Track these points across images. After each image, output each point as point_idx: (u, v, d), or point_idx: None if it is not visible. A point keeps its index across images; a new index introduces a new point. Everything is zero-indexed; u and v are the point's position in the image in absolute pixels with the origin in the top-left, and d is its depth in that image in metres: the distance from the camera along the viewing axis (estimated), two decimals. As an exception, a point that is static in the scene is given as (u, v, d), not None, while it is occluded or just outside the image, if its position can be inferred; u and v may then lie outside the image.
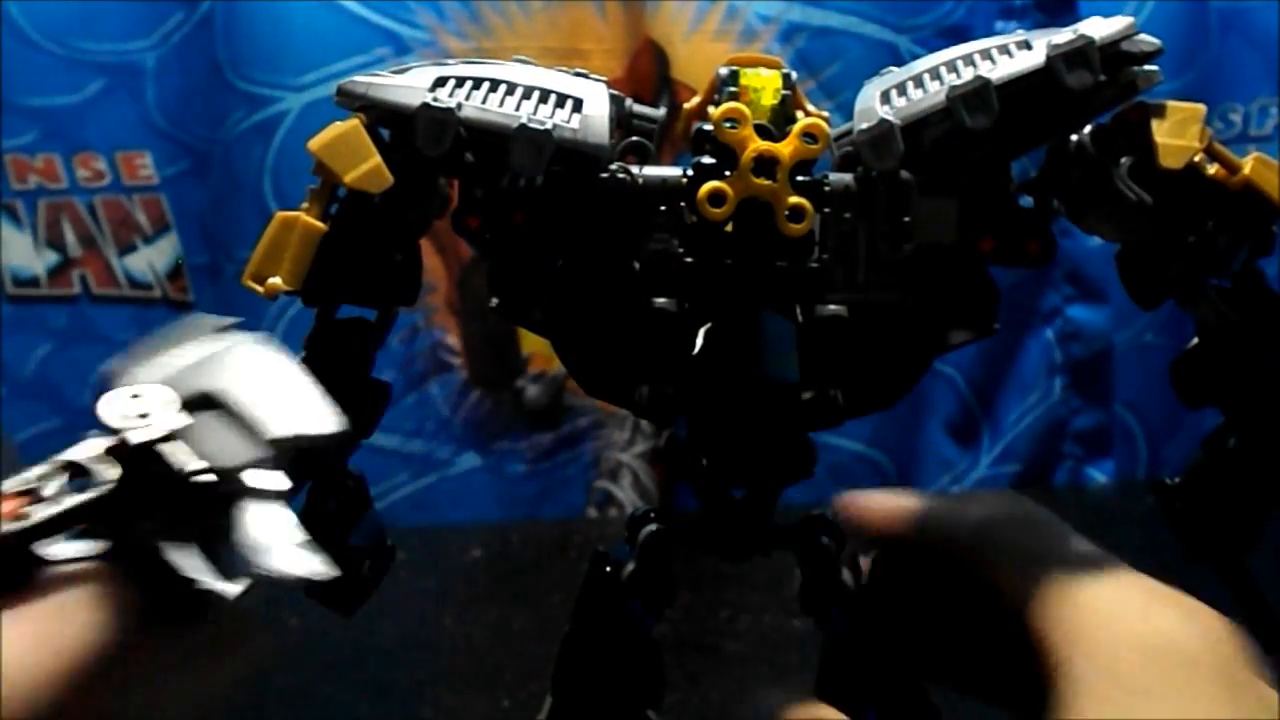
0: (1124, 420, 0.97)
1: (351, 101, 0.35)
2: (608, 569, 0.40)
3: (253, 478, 0.28)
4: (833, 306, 0.36)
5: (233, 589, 0.26)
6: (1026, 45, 0.35)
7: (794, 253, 0.36)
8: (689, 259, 0.36)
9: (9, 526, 0.26)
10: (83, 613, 0.26)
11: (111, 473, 0.27)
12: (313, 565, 0.27)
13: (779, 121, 0.36)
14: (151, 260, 0.95)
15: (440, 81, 0.35)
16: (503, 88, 0.35)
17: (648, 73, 0.89)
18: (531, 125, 0.34)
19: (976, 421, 0.97)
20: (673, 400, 0.37)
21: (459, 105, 0.34)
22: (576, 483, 0.95)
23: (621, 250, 0.37)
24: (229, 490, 0.28)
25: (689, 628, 0.67)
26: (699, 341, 0.36)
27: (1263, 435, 0.36)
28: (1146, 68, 0.34)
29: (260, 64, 0.88)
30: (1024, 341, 0.95)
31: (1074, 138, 0.36)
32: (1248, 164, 0.35)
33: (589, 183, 0.36)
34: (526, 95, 0.35)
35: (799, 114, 0.37)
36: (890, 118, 0.34)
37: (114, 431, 0.28)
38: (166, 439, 0.28)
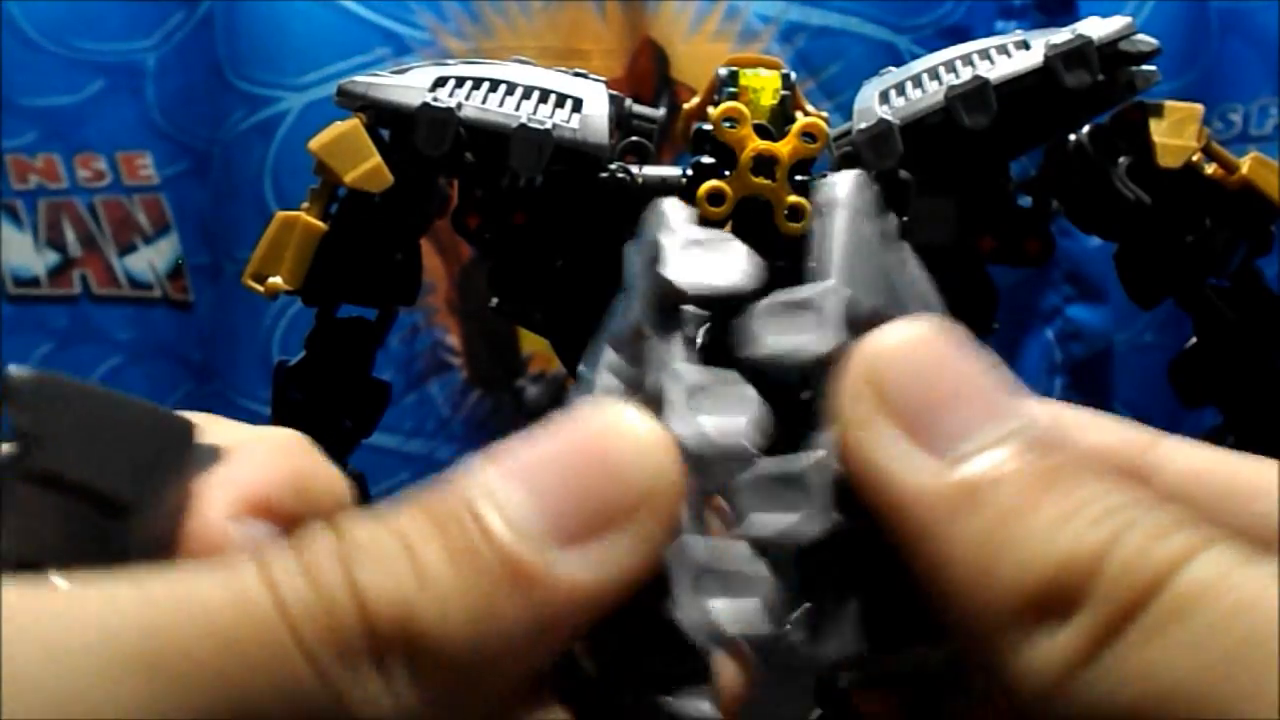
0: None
1: (351, 101, 0.35)
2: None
3: None
4: (832, 306, 0.36)
5: None
6: (1025, 45, 0.35)
7: (793, 252, 0.36)
8: (688, 258, 0.36)
9: None
10: None
11: None
12: None
13: (778, 121, 0.36)
14: (152, 260, 0.95)
15: (440, 81, 0.35)
16: (502, 88, 0.36)
17: (648, 73, 0.89)
18: (531, 125, 0.34)
19: (976, 421, 0.97)
20: (672, 400, 0.37)
21: (459, 105, 0.34)
22: (576, 482, 0.95)
23: (621, 250, 0.37)
24: None
25: (689, 627, 0.67)
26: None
27: (1261, 435, 0.36)
28: (1145, 67, 0.34)
29: (260, 64, 0.88)
30: (1024, 341, 0.95)
31: (1072, 137, 0.36)
32: (1245, 163, 0.35)
33: (589, 182, 0.36)
34: (526, 95, 0.36)
35: (798, 114, 0.37)
36: (889, 117, 0.34)
37: None
38: None
